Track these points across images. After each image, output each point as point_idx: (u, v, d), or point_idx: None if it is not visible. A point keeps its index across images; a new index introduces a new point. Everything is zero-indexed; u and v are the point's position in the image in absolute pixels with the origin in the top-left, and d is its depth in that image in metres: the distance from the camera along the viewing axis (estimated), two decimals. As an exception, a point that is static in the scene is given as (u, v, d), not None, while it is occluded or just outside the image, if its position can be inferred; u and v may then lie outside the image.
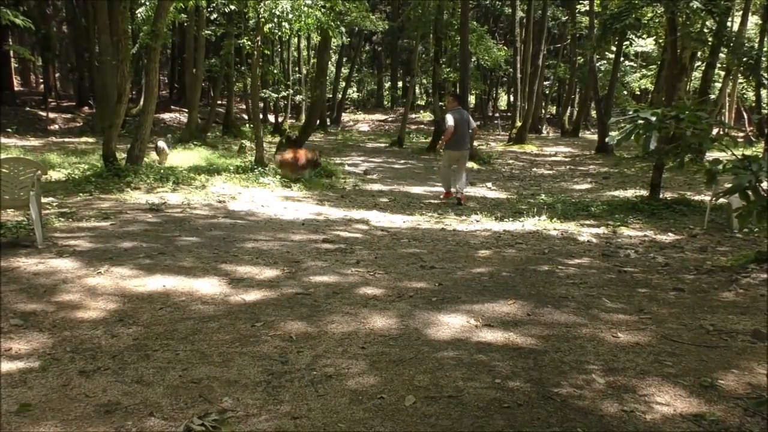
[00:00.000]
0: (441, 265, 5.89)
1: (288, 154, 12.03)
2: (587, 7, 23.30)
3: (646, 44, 26.38)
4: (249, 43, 14.03)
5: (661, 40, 20.69)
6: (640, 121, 3.10)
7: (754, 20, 22.67)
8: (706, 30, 17.02)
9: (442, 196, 10.87)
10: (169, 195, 9.45)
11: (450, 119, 10.32)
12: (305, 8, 11.84)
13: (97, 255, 5.72)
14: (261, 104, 24.30)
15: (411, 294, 4.90)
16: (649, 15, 15.88)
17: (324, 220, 8.44)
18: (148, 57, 11.51)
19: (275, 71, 22.24)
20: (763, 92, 26.15)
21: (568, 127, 30.10)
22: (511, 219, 8.85)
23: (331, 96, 33.72)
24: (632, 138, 3.12)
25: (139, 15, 14.05)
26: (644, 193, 10.55)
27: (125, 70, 10.39)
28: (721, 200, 8.04)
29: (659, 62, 21.29)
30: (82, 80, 26.70)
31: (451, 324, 4.21)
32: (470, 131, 10.67)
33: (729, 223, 7.80)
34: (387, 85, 49.35)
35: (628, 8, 11.96)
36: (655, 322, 4.34)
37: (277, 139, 19.46)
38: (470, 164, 16.03)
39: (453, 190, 10.55)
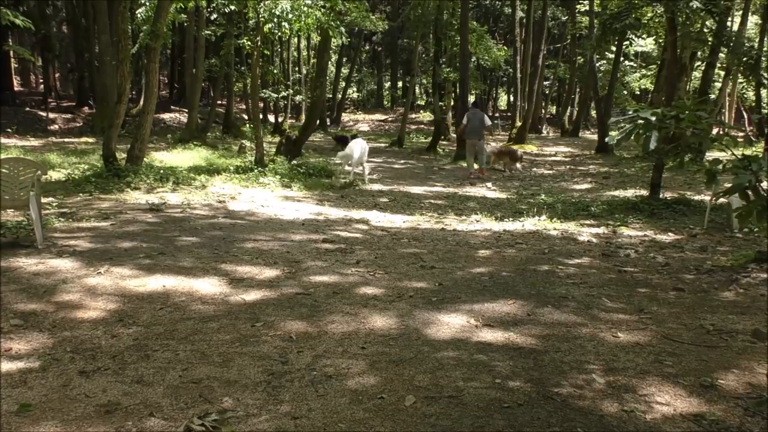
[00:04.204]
0: (441, 265, 5.89)
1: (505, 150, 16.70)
2: (587, 7, 23.29)
3: (646, 44, 26.38)
4: (249, 43, 14.02)
5: (661, 40, 20.70)
6: (640, 121, 3.10)
7: (754, 20, 22.68)
8: (706, 30, 17.03)
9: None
10: (169, 195, 9.46)
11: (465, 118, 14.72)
12: (305, 8, 11.84)
13: (97, 255, 5.72)
14: (261, 104, 24.31)
15: (411, 294, 4.90)
16: (649, 15, 15.88)
17: (324, 220, 8.44)
18: (148, 57, 11.51)
19: (275, 71, 22.25)
20: (763, 92, 26.17)
21: (568, 127, 30.10)
22: (511, 219, 8.84)
23: (331, 96, 33.73)
24: (632, 138, 3.12)
25: (139, 15, 14.03)
26: (644, 193, 10.55)
27: (125, 70, 10.39)
28: (721, 200, 8.04)
29: (659, 62, 21.28)
30: (82, 80, 26.69)
31: (451, 324, 4.21)
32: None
33: (729, 223, 7.80)
34: (387, 85, 49.36)
35: (628, 8, 11.96)
36: (655, 322, 4.34)
37: (277, 139, 19.45)
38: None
39: (475, 166, 14.72)
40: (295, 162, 13.87)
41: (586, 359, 3.64)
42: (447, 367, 3.49)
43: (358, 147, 12.65)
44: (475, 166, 14.84)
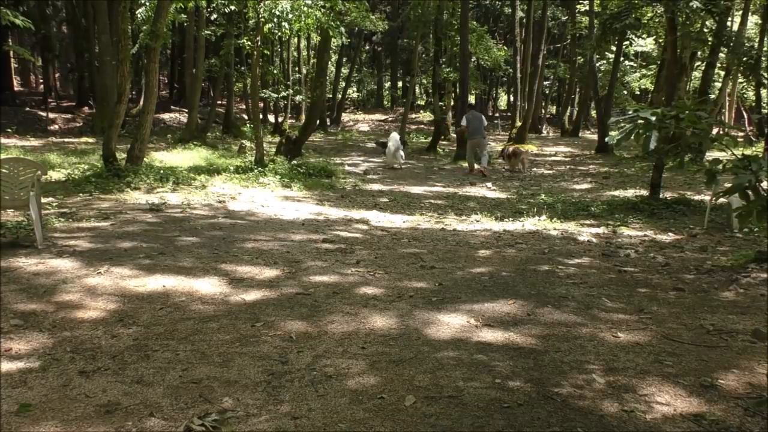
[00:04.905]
0: (441, 265, 5.89)
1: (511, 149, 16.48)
2: (587, 7, 23.29)
3: (646, 44, 26.36)
4: (249, 43, 14.03)
5: (661, 40, 20.70)
6: (640, 121, 3.10)
7: (754, 20, 22.68)
8: (706, 30, 17.03)
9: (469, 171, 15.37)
10: (169, 195, 9.46)
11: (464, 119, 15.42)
12: (305, 8, 11.84)
13: (97, 255, 5.72)
14: (261, 104, 24.30)
15: (411, 294, 4.90)
16: (649, 15, 15.88)
17: (324, 220, 8.44)
18: (148, 57, 11.51)
19: (275, 71, 22.25)
20: (763, 92, 26.17)
21: (568, 127, 30.07)
22: (511, 219, 8.84)
23: (331, 96, 33.70)
24: (632, 138, 3.12)
25: (139, 15, 14.04)
26: (644, 192, 10.54)
27: (125, 70, 10.38)
28: (721, 200, 8.04)
29: (659, 62, 21.27)
30: (82, 80, 26.68)
31: (451, 324, 4.21)
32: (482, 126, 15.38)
33: (729, 223, 7.80)
34: (387, 85, 49.34)
35: (628, 8, 11.96)
36: (655, 321, 4.34)
37: (277, 139, 19.45)
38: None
39: (476, 166, 15.10)
40: (295, 162, 13.87)
41: (586, 359, 3.64)
42: (447, 367, 3.49)
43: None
44: (476, 166, 15.17)
